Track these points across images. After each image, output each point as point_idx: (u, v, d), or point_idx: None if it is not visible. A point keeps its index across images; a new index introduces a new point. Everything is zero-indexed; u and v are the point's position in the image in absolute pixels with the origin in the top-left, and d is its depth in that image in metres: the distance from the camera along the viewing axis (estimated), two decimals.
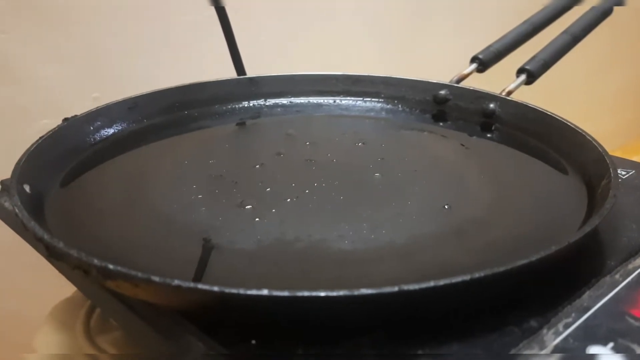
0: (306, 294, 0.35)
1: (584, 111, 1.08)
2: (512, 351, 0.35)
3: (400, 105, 0.79)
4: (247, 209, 0.51)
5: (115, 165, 0.61)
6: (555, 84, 0.97)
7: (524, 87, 0.75)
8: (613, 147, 0.55)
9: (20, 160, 0.51)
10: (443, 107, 0.76)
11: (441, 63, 0.95)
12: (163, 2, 0.93)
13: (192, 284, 0.35)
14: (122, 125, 0.68)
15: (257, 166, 0.60)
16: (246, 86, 0.79)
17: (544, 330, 0.37)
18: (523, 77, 0.74)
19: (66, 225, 0.48)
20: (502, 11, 1.17)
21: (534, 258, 0.38)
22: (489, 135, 0.71)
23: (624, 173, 0.58)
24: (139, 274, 0.35)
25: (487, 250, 0.46)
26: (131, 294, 0.38)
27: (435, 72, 0.82)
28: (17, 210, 0.43)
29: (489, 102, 0.74)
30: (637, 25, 1.65)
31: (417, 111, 0.77)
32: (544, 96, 0.81)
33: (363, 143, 0.67)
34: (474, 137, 0.70)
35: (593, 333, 0.37)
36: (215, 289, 0.34)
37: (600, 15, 0.79)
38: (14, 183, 0.47)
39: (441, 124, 0.75)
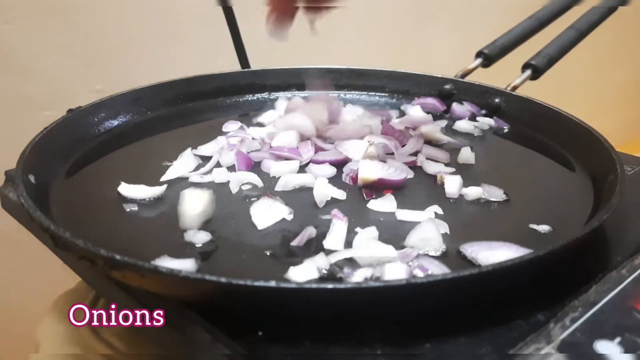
0: (314, 286, 0.35)
1: (587, 107, 1.08)
2: (519, 344, 0.35)
3: (404, 100, 0.79)
4: (253, 201, 0.51)
5: (119, 156, 0.61)
6: (557, 80, 0.96)
7: (525, 83, 0.74)
8: (615, 143, 0.55)
9: (25, 150, 0.51)
10: (448, 102, 0.76)
11: (446, 57, 0.95)
12: None
13: (199, 275, 0.34)
14: (126, 117, 0.68)
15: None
16: (250, 79, 0.79)
17: (551, 324, 0.37)
18: (528, 72, 0.74)
19: (71, 215, 0.48)
20: (507, 6, 1.17)
21: (541, 252, 0.38)
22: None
23: (629, 169, 0.58)
24: (146, 265, 0.35)
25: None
26: (137, 284, 0.38)
27: (440, 67, 0.82)
28: (22, 201, 0.43)
29: (495, 97, 0.73)
30: None
31: None
32: (546, 92, 0.81)
33: None
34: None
35: (600, 328, 0.37)
36: (223, 280, 0.34)
37: (606, 11, 0.79)
38: (19, 173, 0.47)
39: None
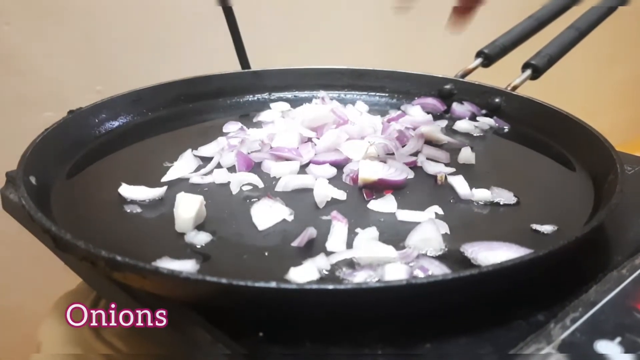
0: (314, 287, 0.35)
1: (587, 107, 1.08)
2: (520, 345, 0.35)
3: (404, 100, 0.79)
4: (254, 201, 0.51)
5: (119, 157, 0.61)
6: (557, 80, 0.96)
7: (525, 82, 0.74)
8: (615, 142, 0.55)
9: (26, 152, 0.51)
10: (448, 102, 0.76)
11: (446, 57, 0.95)
12: None
13: (200, 276, 0.35)
14: (127, 118, 0.69)
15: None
16: (251, 80, 0.79)
17: (552, 325, 0.37)
18: (528, 72, 0.74)
19: (72, 216, 0.48)
20: (507, 6, 1.17)
21: (541, 253, 0.38)
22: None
23: (629, 169, 0.58)
24: (147, 266, 0.35)
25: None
26: (138, 285, 0.38)
27: (440, 67, 0.82)
28: (23, 202, 0.43)
29: (495, 97, 0.74)
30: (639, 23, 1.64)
31: None
32: (546, 92, 0.81)
33: None
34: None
35: (600, 328, 0.37)
36: (224, 281, 0.34)
37: (606, 11, 0.79)
38: (20, 175, 0.47)
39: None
